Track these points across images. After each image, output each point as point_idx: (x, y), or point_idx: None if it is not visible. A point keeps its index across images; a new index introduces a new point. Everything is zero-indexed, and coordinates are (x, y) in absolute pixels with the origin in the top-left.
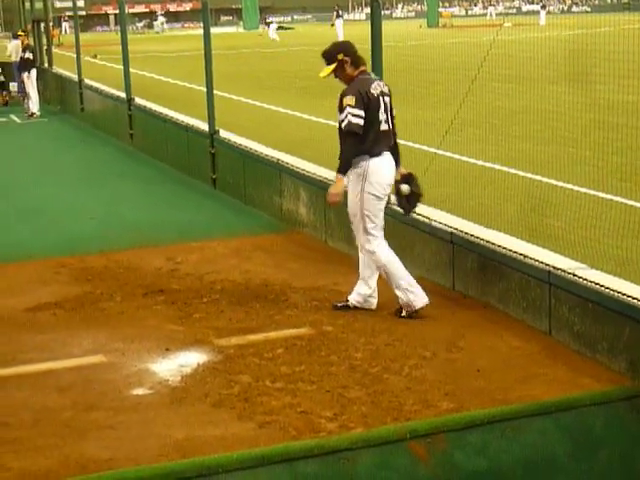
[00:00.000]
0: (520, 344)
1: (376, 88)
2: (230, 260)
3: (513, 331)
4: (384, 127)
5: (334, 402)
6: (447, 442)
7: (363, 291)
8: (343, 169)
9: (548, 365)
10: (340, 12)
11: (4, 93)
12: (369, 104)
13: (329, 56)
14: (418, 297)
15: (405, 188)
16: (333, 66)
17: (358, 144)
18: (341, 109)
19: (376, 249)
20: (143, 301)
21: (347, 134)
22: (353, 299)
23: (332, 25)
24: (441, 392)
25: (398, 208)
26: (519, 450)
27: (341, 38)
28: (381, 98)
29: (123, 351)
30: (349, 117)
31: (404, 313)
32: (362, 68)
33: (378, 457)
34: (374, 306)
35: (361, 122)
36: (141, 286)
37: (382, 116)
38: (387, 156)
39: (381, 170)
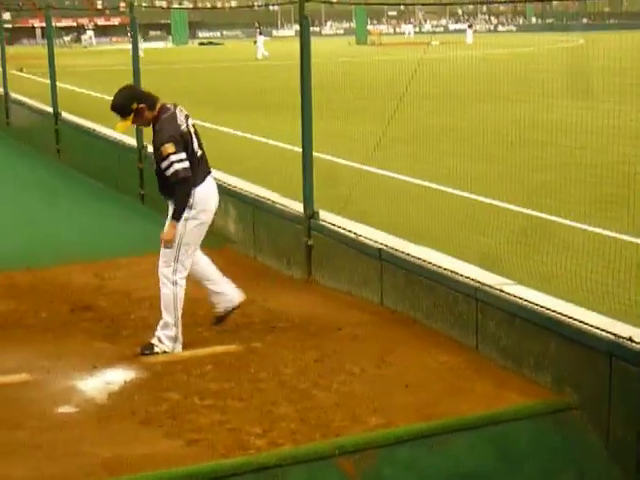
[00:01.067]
0: (448, 359)
1: (181, 120)
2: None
3: (441, 346)
4: (199, 153)
5: (263, 418)
6: (376, 458)
7: (226, 290)
8: (179, 216)
9: (475, 380)
10: (261, 29)
11: None
12: (185, 142)
13: (122, 109)
14: (177, 345)
15: None
16: (131, 117)
17: (189, 185)
18: (162, 157)
19: (180, 282)
20: (70, 318)
21: (178, 182)
22: (224, 307)
23: (254, 42)
24: (370, 408)
25: None
26: (447, 465)
27: (265, 54)
28: (189, 126)
29: (49, 369)
30: (175, 165)
31: (147, 351)
32: (159, 105)
33: (307, 474)
34: (236, 300)
35: (187, 164)
36: (68, 302)
37: (195, 144)
38: (209, 180)
39: (207, 198)
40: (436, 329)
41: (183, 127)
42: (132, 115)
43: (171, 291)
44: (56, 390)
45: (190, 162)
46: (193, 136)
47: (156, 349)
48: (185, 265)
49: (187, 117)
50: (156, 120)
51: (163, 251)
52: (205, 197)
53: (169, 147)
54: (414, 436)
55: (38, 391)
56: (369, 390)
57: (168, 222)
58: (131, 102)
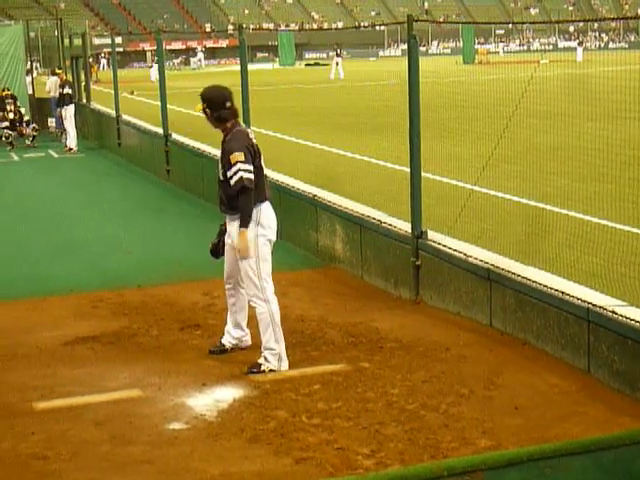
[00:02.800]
0: (558, 382)
1: (252, 137)
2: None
3: (551, 369)
4: (265, 172)
5: (371, 439)
6: None
7: (237, 334)
8: (246, 224)
9: (587, 403)
10: (339, 51)
11: (31, 128)
12: (252, 156)
13: (215, 103)
14: (283, 363)
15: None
16: (217, 113)
17: (250, 197)
18: (230, 165)
19: (271, 298)
20: (180, 336)
21: (242, 190)
22: (228, 341)
23: (332, 64)
24: (479, 430)
25: (211, 252)
26: None
27: (341, 77)
28: (256, 146)
29: (159, 385)
30: (241, 173)
31: (255, 369)
32: (234, 121)
33: None
34: (249, 343)
35: (252, 176)
36: (177, 321)
37: (263, 163)
38: (269, 202)
39: (271, 214)
40: (546, 351)
41: (254, 142)
42: (205, 107)
43: (266, 309)
44: (167, 406)
45: (257, 176)
46: (259, 156)
47: (262, 367)
48: (268, 281)
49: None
50: (228, 132)
51: (245, 275)
52: (269, 213)
53: (239, 155)
54: (525, 459)
55: (149, 407)
56: (478, 412)
57: (237, 233)
58: (226, 100)
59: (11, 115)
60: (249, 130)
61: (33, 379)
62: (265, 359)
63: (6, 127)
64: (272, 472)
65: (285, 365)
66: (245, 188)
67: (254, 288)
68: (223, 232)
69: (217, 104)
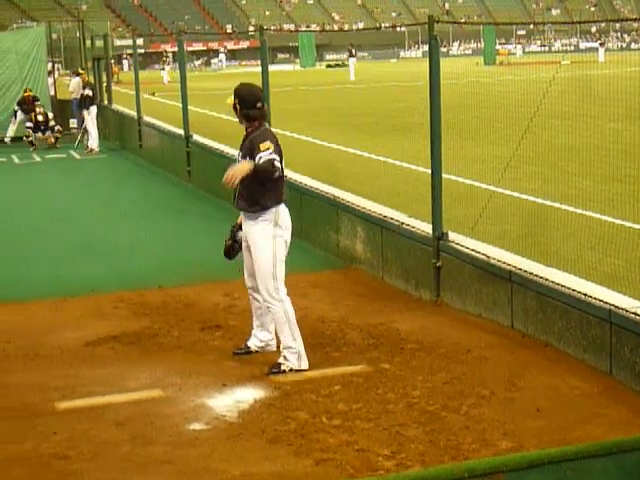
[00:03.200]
0: (580, 384)
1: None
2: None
3: (573, 371)
4: (284, 175)
5: (391, 440)
6: None
7: (265, 338)
8: (256, 168)
9: (609, 405)
10: (354, 51)
11: (54, 131)
12: (280, 154)
13: (246, 101)
14: (303, 362)
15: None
16: (247, 111)
17: (272, 178)
18: (259, 151)
19: (284, 298)
20: (200, 336)
21: (266, 171)
22: (253, 344)
23: (343, 64)
24: (500, 431)
25: (225, 254)
26: None
27: (352, 78)
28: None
29: (180, 386)
30: (272, 156)
31: (275, 370)
32: (261, 121)
33: None
34: (275, 348)
35: (279, 166)
36: (198, 321)
37: (283, 165)
38: (285, 204)
39: (287, 216)
40: (568, 353)
41: (278, 143)
42: (236, 102)
43: (280, 309)
44: (187, 407)
45: (280, 176)
46: (282, 158)
47: (283, 367)
48: (282, 281)
49: None
50: (255, 129)
51: (260, 276)
52: (287, 215)
53: (270, 144)
54: (546, 461)
55: (170, 407)
56: (499, 413)
57: (253, 232)
58: (258, 100)
59: (40, 117)
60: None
61: (55, 379)
62: (285, 358)
63: (29, 127)
64: (292, 473)
65: (305, 363)
66: (271, 172)
67: (269, 288)
68: (235, 232)
69: (248, 102)
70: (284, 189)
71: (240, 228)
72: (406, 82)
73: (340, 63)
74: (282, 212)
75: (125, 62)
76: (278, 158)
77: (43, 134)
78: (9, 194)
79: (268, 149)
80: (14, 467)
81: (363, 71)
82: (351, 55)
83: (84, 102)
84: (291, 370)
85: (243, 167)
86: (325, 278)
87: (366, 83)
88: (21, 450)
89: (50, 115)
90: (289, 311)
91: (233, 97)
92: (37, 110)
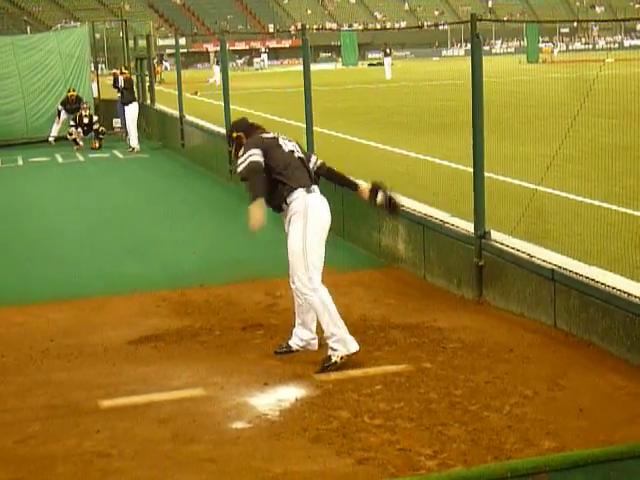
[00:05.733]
0: (624, 383)
1: (270, 136)
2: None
3: (617, 370)
4: (298, 160)
5: (433, 439)
6: None
7: (305, 336)
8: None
9: None
10: (388, 50)
11: (98, 134)
12: (271, 147)
13: (229, 139)
14: (350, 345)
15: (380, 199)
16: (234, 147)
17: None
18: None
19: (319, 287)
20: (242, 335)
21: (248, 174)
22: (295, 343)
23: (386, 65)
24: (543, 431)
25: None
26: None
27: (389, 77)
28: (285, 140)
29: (222, 385)
30: (244, 160)
31: (327, 363)
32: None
33: None
34: (316, 347)
35: (256, 159)
36: (240, 320)
37: (297, 154)
38: (318, 194)
39: (320, 205)
40: (612, 352)
41: (268, 136)
42: (234, 144)
43: (317, 298)
44: (229, 405)
45: (288, 166)
46: (290, 146)
47: (333, 358)
48: (317, 271)
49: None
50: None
51: (292, 268)
52: (320, 206)
53: (242, 153)
54: (590, 461)
55: (212, 406)
56: (542, 413)
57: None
58: (231, 131)
59: (85, 120)
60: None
61: (98, 377)
62: (332, 349)
63: (73, 126)
64: (334, 472)
65: (354, 346)
66: (252, 169)
67: (302, 279)
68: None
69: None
70: (301, 179)
71: (373, 194)
72: (446, 80)
73: (382, 62)
74: (312, 199)
75: (166, 64)
76: (252, 153)
77: (85, 135)
78: (54, 193)
79: (242, 157)
80: (57, 465)
81: (403, 69)
82: (386, 54)
83: (122, 99)
84: (342, 358)
85: (254, 214)
86: (367, 277)
87: (403, 82)
88: (64, 448)
89: (95, 118)
90: (325, 299)
91: (229, 145)
92: (83, 112)
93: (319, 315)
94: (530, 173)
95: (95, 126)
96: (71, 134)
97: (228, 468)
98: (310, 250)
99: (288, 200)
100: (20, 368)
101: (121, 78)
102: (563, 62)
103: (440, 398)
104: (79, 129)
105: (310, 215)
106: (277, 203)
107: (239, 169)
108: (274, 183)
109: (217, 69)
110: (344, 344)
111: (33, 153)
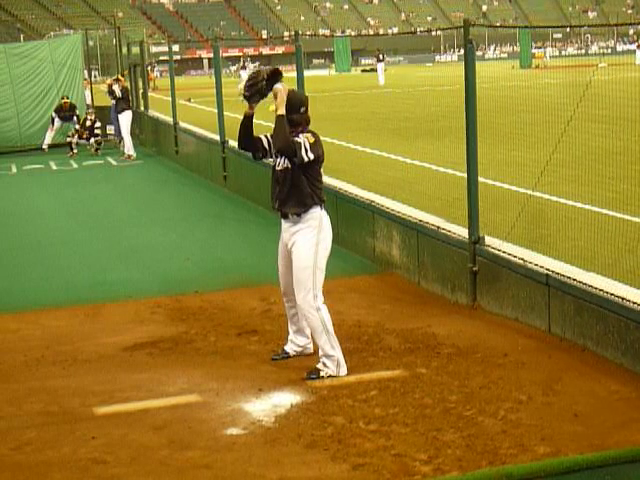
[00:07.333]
0: (619, 388)
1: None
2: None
3: (612, 375)
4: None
5: (428, 445)
6: None
7: (302, 342)
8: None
9: None
10: (381, 56)
11: (96, 138)
12: (318, 155)
13: (290, 105)
14: (342, 369)
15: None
16: (290, 115)
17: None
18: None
19: (322, 307)
20: (237, 341)
21: (290, 147)
22: (291, 349)
23: (379, 70)
24: (538, 436)
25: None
26: None
27: (382, 82)
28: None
29: (217, 391)
30: (304, 143)
31: (314, 375)
32: (306, 126)
33: None
34: (312, 351)
35: (310, 156)
36: (235, 326)
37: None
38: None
39: (329, 222)
40: (606, 357)
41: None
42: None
43: (317, 318)
44: (224, 412)
45: (320, 177)
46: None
47: (322, 373)
48: (320, 290)
49: None
50: (297, 135)
51: (298, 283)
52: (328, 224)
53: (310, 137)
54: (584, 466)
55: (207, 412)
56: (537, 418)
57: (294, 241)
58: (301, 105)
59: (88, 122)
60: None
61: (93, 384)
62: (324, 364)
63: (76, 129)
64: (329, 478)
65: (344, 370)
66: (290, 146)
67: (307, 297)
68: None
69: (292, 106)
70: (323, 193)
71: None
72: (439, 86)
73: (375, 68)
74: (325, 217)
75: (157, 71)
76: (309, 148)
77: (87, 140)
78: (47, 201)
79: (306, 140)
80: (53, 471)
81: (397, 75)
82: (379, 60)
83: (116, 107)
84: (330, 377)
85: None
86: (361, 283)
87: (396, 87)
88: (60, 454)
89: (98, 124)
90: (326, 320)
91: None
92: (88, 117)
93: (316, 334)
94: (524, 178)
95: (96, 131)
96: (72, 135)
97: (223, 474)
98: (320, 268)
99: (310, 210)
100: (15, 375)
101: (117, 87)
102: (556, 67)
103: (435, 403)
104: (83, 130)
105: (324, 233)
106: (298, 205)
107: (301, 148)
108: (306, 185)
109: (243, 73)
110: (337, 366)
111: (27, 161)
